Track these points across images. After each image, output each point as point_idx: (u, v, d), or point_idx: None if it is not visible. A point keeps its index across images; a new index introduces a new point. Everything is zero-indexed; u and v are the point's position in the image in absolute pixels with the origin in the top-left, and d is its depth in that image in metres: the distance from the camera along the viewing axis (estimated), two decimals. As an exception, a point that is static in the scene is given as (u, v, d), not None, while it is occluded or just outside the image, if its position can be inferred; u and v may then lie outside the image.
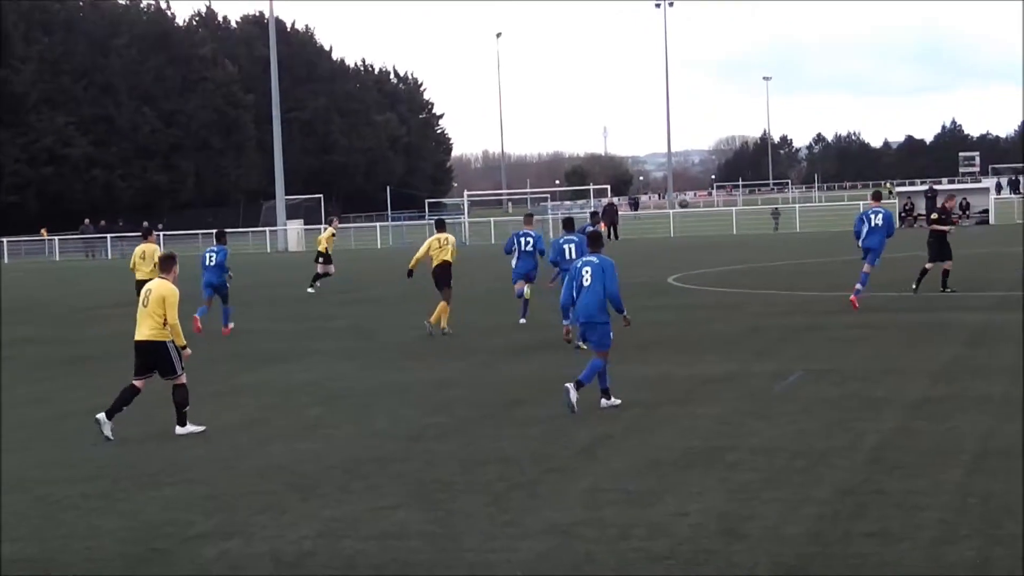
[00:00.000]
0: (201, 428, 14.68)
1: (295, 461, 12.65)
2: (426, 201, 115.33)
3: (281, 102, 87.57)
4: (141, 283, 26.19)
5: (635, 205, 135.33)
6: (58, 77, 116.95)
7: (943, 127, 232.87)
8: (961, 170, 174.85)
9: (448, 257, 24.30)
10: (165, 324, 14.40)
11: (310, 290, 36.65)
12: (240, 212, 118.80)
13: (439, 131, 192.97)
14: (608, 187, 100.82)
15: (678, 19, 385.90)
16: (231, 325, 26.19)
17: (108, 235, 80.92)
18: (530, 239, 25.24)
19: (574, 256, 20.86)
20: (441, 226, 25.81)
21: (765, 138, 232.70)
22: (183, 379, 14.66)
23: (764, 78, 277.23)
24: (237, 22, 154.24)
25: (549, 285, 25.63)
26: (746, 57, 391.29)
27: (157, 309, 14.39)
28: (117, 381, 15.67)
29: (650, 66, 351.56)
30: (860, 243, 26.05)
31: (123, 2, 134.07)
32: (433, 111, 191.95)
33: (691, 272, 37.42)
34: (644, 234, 72.86)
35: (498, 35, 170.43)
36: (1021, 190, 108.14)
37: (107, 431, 14.17)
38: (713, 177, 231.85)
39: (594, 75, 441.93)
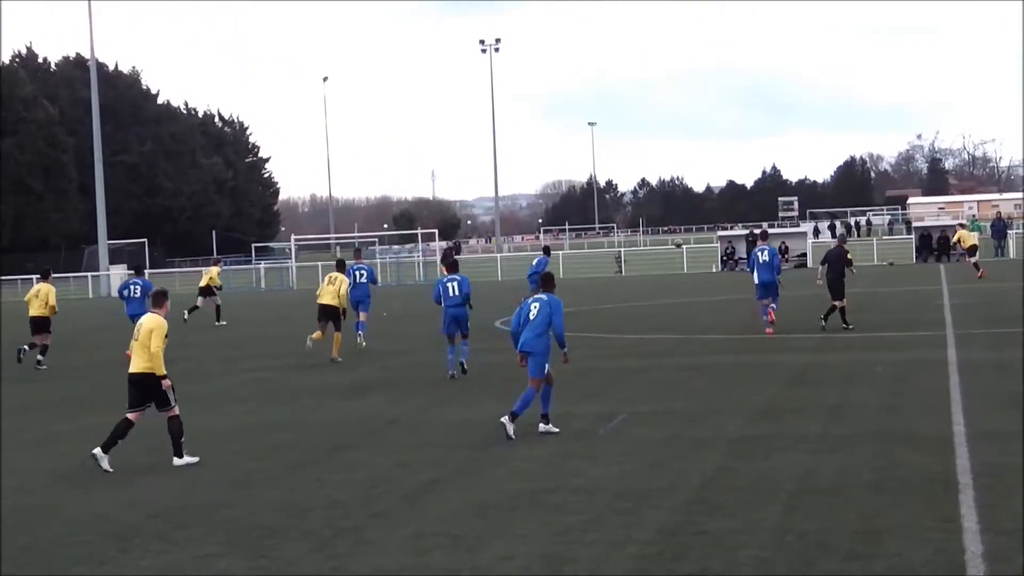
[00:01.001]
0: (195, 460, 14.97)
1: (116, 509, 12.42)
2: (252, 245, 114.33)
3: (105, 145, 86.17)
4: (34, 320, 28.57)
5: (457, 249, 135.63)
6: None
7: (763, 172, 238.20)
8: (780, 214, 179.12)
9: (330, 300, 26.85)
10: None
11: (186, 317, 39.88)
12: (61, 257, 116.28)
13: (266, 175, 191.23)
14: (436, 231, 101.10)
15: (505, 62, 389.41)
16: None
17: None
18: (363, 271, 29.54)
19: (456, 293, 23.16)
20: (340, 267, 28.39)
21: (591, 183, 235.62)
22: (176, 411, 15.04)
23: (589, 123, 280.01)
24: (57, 63, 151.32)
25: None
26: (572, 100, 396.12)
27: (147, 342, 14.92)
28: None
29: (477, 111, 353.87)
30: (755, 279, 28.37)
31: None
32: (260, 155, 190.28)
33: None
34: (474, 277, 73.03)
35: (325, 79, 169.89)
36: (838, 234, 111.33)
37: (105, 464, 14.50)
38: (540, 221, 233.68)
39: (422, 119, 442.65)
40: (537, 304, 16.25)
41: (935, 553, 9.61)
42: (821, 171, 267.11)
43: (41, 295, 28.79)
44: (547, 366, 16.04)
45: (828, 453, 13.66)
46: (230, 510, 12.18)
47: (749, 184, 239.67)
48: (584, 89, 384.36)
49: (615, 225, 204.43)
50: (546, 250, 29.33)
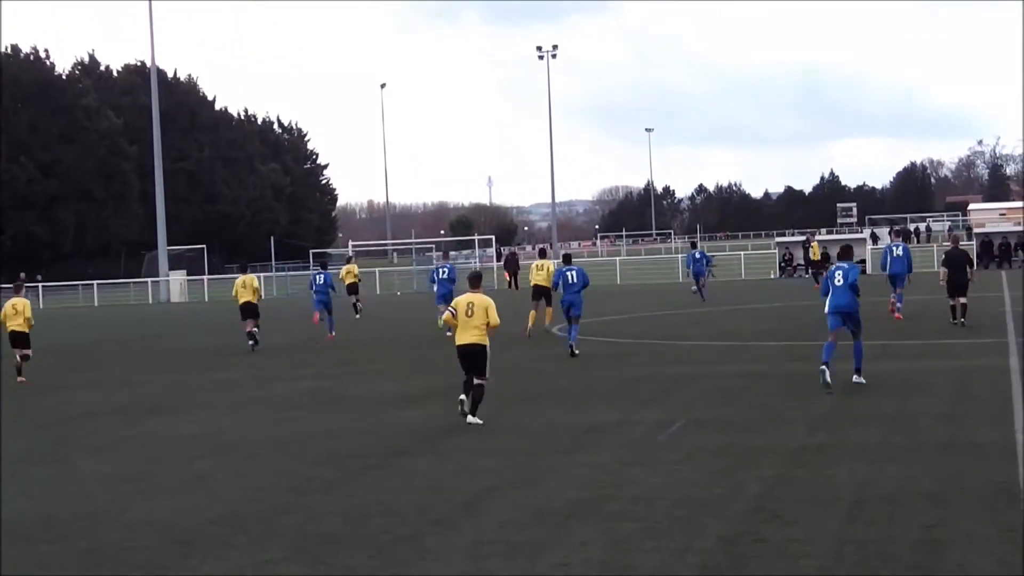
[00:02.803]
0: (480, 422, 17.48)
1: (177, 515, 12.50)
2: (311, 251, 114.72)
3: (164, 152, 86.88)
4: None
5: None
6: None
7: (822, 178, 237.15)
8: (839, 220, 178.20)
9: (542, 281, 32.78)
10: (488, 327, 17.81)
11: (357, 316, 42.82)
12: (121, 263, 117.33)
13: (324, 181, 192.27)
14: (493, 237, 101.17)
15: (562, 68, 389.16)
16: (333, 333, 36.71)
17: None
18: (446, 269, 36.75)
19: (575, 281, 28.47)
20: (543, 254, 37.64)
21: (648, 188, 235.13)
22: (487, 381, 17.79)
23: (646, 129, 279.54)
24: (119, 71, 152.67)
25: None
26: (630, 106, 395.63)
27: (484, 317, 17.65)
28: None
29: (534, 116, 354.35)
30: (887, 271, 33.34)
31: (2, 50, 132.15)
32: (317, 161, 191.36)
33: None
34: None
35: (382, 85, 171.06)
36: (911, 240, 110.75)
37: (475, 420, 17.51)
38: (597, 227, 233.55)
39: (479, 125, 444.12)
40: (840, 272, 20.11)
41: (998, 564, 9.53)
42: (880, 177, 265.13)
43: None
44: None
45: (888, 462, 13.56)
46: (290, 516, 12.25)
47: (807, 190, 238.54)
48: (641, 95, 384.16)
49: (672, 231, 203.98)
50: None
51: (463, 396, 17.71)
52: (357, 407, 20.57)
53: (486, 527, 11.46)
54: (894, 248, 34.17)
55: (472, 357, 17.67)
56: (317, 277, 38.36)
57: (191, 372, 28.41)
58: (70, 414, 21.63)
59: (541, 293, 33.06)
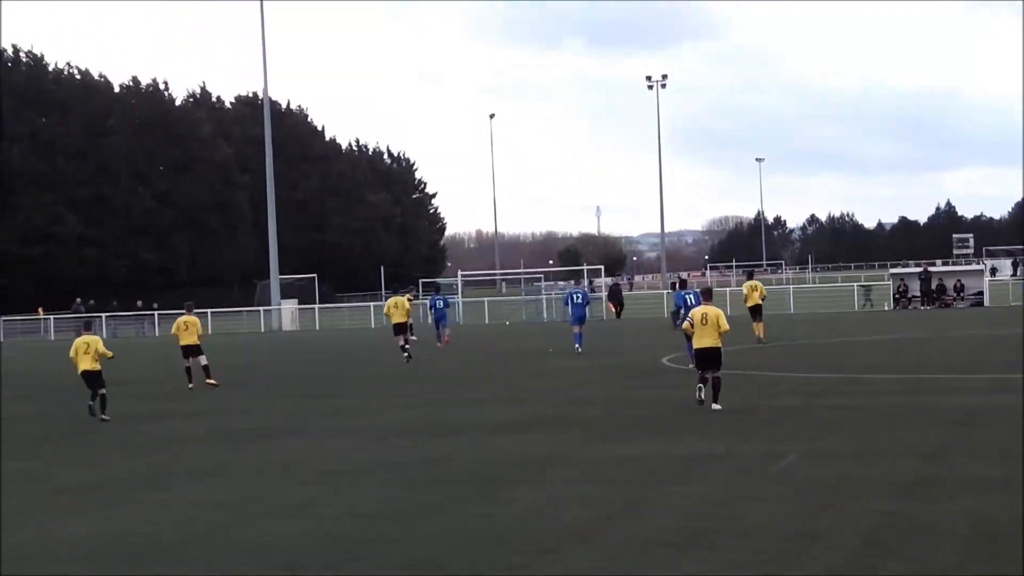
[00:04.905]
0: (720, 407, 21.56)
1: (284, 540, 12.54)
2: (420, 281, 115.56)
3: (275, 182, 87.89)
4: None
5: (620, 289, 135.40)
6: (52, 156, 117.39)
7: (937, 208, 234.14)
8: (955, 252, 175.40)
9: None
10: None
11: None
12: (234, 291, 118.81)
13: (432, 211, 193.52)
14: (602, 267, 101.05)
15: (671, 98, 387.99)
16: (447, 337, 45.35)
17: (102, 314, 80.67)
18: (579, 295, 41.09)
19: (693, 304, 29.97)
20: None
21: (759, 219, 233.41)
22: (719, 374, 22.06)
23: (757, 159, 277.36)
24: (231, 102, 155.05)
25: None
26: (739, 135, 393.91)
27: (714, 325, 21.83)
28: (106, 456, 15.52)
29: (643, 147, 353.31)
30: None
31: (122, 83, 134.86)
32: (426, 191, 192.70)
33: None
34: (642, 313, 72.98)
35: (491, 116, 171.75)
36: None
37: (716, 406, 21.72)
38: (707, 257, 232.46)
39: (587, 155, 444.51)
40: None
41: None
42: (998, 207, 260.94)
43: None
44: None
45: (1003, 496, 13.22)
46: (396, 544, 12.22)
47: (922, 220, 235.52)
48: (751, 124, 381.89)
49: (783, 262, 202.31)
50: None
51: (700, 385, 22.12)
52: (462, 434, 20.55)
53: (594, 557, 11.35)
54: None
55: (709, 357, 21.90)
56: (437, 302, 47.29)
57: (299, 398, 28.66)
58: (176, 438, 21.85)
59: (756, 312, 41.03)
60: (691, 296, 31.83)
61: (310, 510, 14.33)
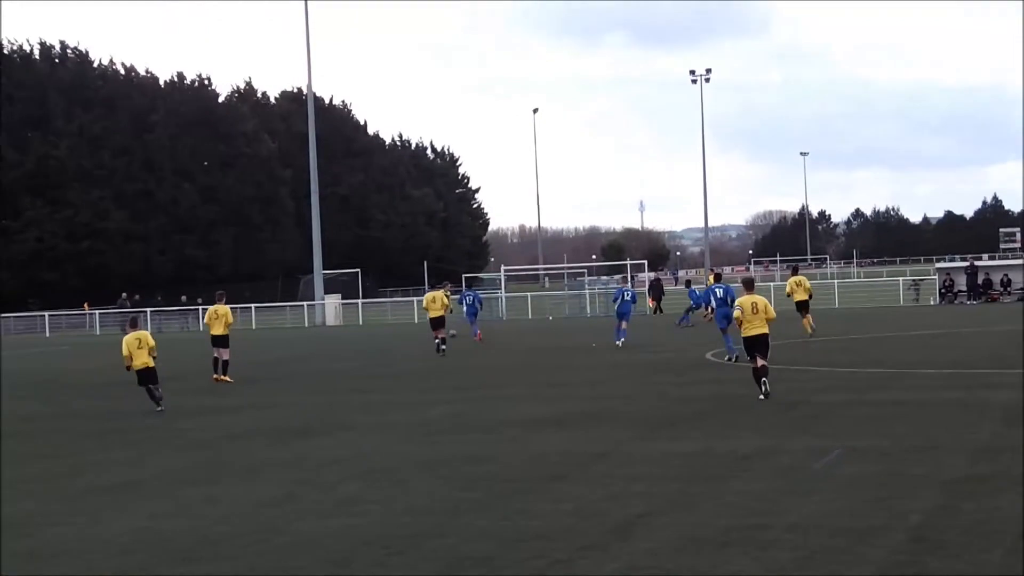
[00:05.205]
0: (762, 397, 22.52)
1: (330, 537, 12.57)
2: (463, 276, 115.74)
3: (319, 177, 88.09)
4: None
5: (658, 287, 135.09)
6: (98, 152, 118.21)
7: (984, 202, 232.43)
8: (1001, 246, 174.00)
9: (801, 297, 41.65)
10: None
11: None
12: (278, 286, 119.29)
13: (475, 205, 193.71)
14: (645, 262, 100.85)
15: (715, 92, 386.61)
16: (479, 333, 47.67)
17: (147, 309, 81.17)
18: (629, 292, 43.23)
19: (721, 297, 32.87)
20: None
21: (803, 213, 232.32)
22: (766, 362, 22.87)
23: (801, 153, 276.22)
24: (276, 98, 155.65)
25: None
26: (784, 129, 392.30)
27: (763, 312, 22.92)
28: (152, 453, 15.58)
29: (686, 141, 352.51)
30: None
31: (168, 79, 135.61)
32: (469, 186, 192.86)
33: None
34: (683, 309, 72.61)
35: (535, 111, 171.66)
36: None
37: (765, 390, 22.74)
38: (750, 252, 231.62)
39: (631, 150, 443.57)
40: None
41: None
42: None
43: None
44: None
45: (1054, 494, 13.08)
46: (442, 539, 12.22)
47: (968, 215, 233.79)
48: (796, 118, 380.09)
49: (828, 256, 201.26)
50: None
51: (763, 379, 22.74)
52: (505, 430, 20.53)
53: (639, 553, 11.31)
54: None
55: (758, 344, 22.86)
56: (467, 298, 49.51)
57: (341, 394, 28.71)
58: (221, 435, 21.94)
59: (805, 306, 41.23)
60: (720, 290, 32.96)
61: (356, 506, 14.34)
